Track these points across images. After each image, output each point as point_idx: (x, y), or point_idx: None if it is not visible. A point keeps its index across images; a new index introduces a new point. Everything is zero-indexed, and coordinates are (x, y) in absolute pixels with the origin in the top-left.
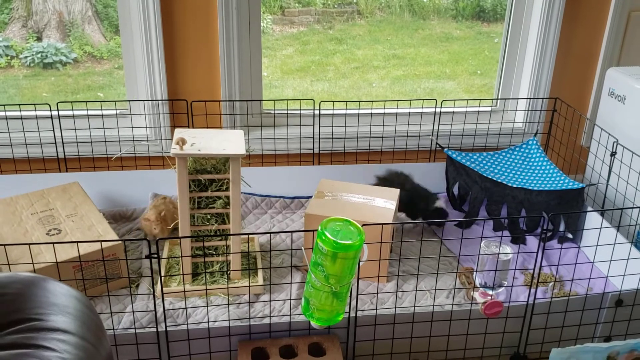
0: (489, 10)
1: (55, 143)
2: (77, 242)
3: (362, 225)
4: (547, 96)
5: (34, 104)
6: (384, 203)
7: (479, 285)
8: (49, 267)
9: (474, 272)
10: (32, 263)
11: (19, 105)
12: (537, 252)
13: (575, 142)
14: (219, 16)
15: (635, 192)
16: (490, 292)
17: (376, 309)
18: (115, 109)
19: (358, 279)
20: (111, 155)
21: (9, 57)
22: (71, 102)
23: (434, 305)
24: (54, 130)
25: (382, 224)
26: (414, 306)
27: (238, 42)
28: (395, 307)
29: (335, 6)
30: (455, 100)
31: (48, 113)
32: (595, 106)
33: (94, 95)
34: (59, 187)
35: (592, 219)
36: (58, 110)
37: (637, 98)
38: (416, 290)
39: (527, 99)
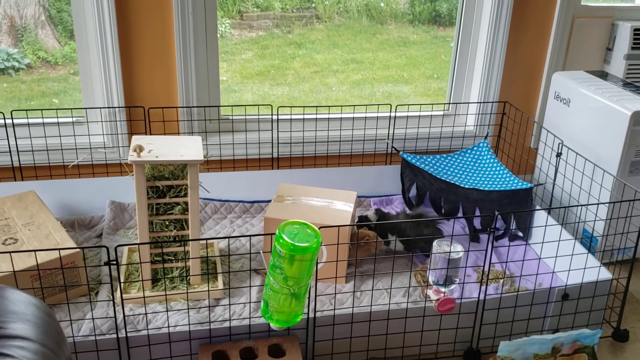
0: (445, 14)
1: (10, 151)
2: (35, 250)
3: (319, 228)
4: (497, 100)
5: None
6: (343, 206)
7: (432, 283)
8: (5, 276)
9: (428, 271)
10: None
11: None
12: (487, 250)
13: (523, 144)
14: (175, 22)
15: (579, 190)
16: (443, 289)
17: (334, 309)
18: (72, 117)
19: (316, 280)
20: (68, 163)
21: None
22: (26, 110)
23: (389, 304)
24: (8, 139)
25: (339, 225)
26: (371, 305)
27: (195, 48)
28: (353, 307)
29: (294, 11)
30: (409, 105)
31: (2, 121)
32: (542, 109)
33: (48, 102)
34: (15, 196)
35: (541, 217)
36: (12, 118)
37: (581, 101)
38: (372, 290)
39: (477, 103)
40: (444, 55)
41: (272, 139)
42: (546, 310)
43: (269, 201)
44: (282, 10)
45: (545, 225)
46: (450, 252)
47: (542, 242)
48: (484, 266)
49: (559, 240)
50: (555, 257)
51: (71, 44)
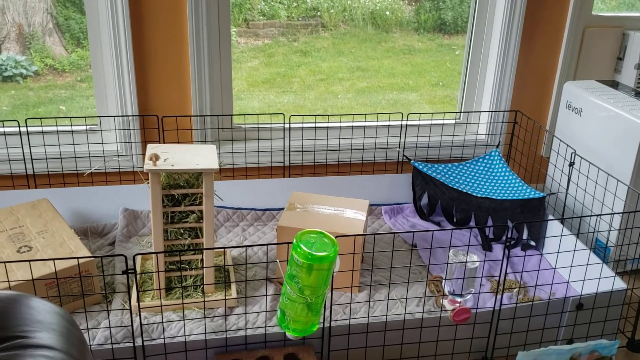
0: (450, 23)
1: (24, 159)
2: (54, 259)
3: (335, 237)
4: (508, 109)
5: (2, 121)
6: (354, 214)
7: (447, 293)
8: (21, 284)
9: (443, 281)
10: (8, 281)
11: None
12: (502, 260)
13: (535, 152)
14: (189, 31)
15: (592, 200)
16: (458, 299)
17: (349, 319)
18: (85, 125)
19: (332, 289)
20: (81, 171)
21: None
22: (40, 118)
23: (405, 314)
24: (22, 147)
25: (355, 235)
26: (386, 315)
27: (208, 57)
28: (368, 317)
29: (300, 19)
30: (420, 113)
31: (17, 129)
32: (553, 118)
33: (56, 109)
34: (28, 203)
35: (553, 226)
36: (27, 126)
37: (593, 110)
38: (388, 300)
39: (489, 111)
40: (449, 63)
41: (284, 147)
42: (561, 320)
43: (281, 209)
44: (287, 19)
45: (561, 235)
46: (466, 262)
47: (558, 252)
48: (499, 276)
49: (574, 250)
50: (571, 267)
51: (78, 51)
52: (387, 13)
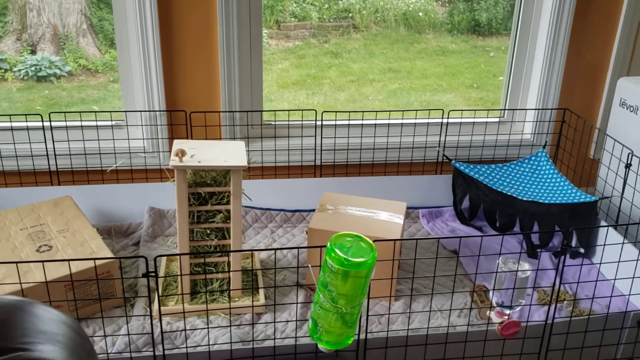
0: (484, 24)
1: (47, 155)
2: (69, 260)
3: (373, 242)
4: (556, 107)
5: (25, 115)
6: (390, 217)
7: (495, 305)
8: (37, 286)
9: (491, 291)
10: (20, 283)
11: (9, 115)
12: (557, 269)
13: (586, 154)
14: (219, 26)
15: None
16: (507, 311)
17: (387, 331)
18: (111, 120)
19: (369, 298)
20: (106, 167)
21: (2, 70)
22: (64, 112)
23: (448, 327)
24: (45, 142)
25: (395, 239)
26: (428, 327)
27: (238, 52)
28: (408, 329)
29: (331, 20)
30: (462, 110)
31: (40, 124)
32: (605, 117)
33: (87, 109)
34: (50, 201)
35: (606, 233)
36: (50, 121)
37: None
38: (430, 311)
39: (535, 109)
40: (483, 64)
41: (315, 146)
42: (620, 336)
43: (312, 210)
44: (319, 20)
45: (623, 243)
46: (517, 270)
47: (618, 262)
48: (552, 287)
49: (638, 260)
50: (633, 279)
51: (111, 52)
52: (420, 14)
